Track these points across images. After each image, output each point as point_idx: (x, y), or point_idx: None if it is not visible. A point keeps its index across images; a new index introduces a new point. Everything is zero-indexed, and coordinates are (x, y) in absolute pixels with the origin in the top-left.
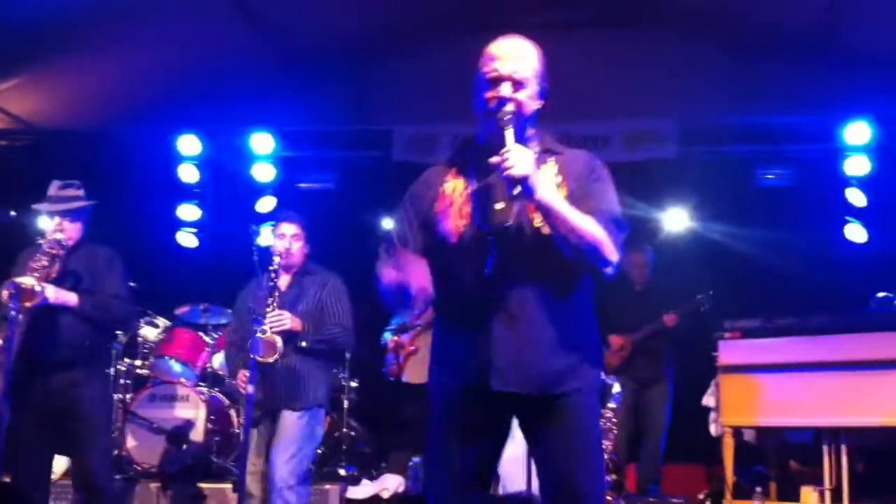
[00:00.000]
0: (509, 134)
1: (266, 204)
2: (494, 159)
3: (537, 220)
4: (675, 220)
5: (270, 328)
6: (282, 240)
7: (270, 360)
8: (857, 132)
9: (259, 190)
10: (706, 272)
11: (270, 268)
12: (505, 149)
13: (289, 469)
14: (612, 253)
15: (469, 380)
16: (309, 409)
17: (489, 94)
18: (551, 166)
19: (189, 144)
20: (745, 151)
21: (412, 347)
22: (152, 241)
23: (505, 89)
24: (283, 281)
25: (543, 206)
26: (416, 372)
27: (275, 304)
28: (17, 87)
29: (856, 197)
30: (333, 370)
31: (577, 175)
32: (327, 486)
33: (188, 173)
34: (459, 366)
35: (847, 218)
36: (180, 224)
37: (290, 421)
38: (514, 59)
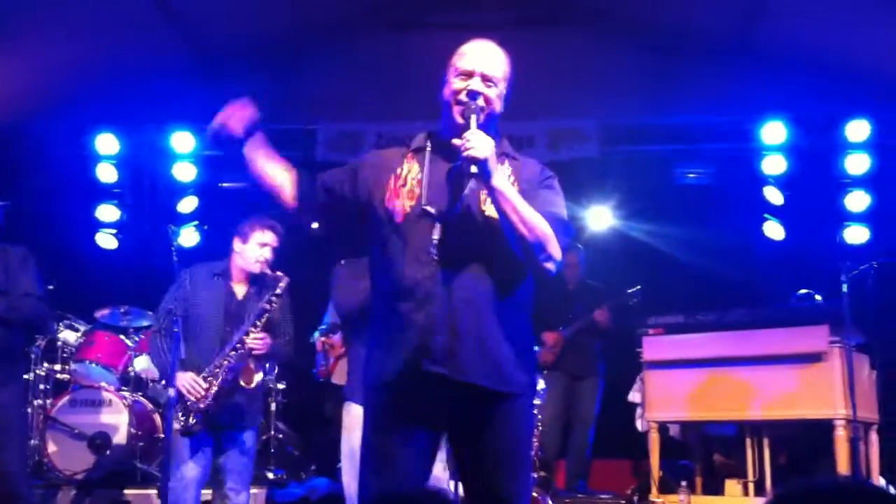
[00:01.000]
0: (473, 120)
1: (187, 204)
2: (456, 141)
3: (487, 209)
4: (599, 218)
5: (252, 350)
6: (263, 250)
7: (252, 385)
8: (774, 132)
9: (180, 190)
10: (630, 270)
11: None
12: (469, 131)
13: (244, 480)
14: (557, 250)
15: (404, 362)
16: (256, 426)
17: (460, 86)
18: (506, 168)
19: (107, 143)
20: (664, 150)
21: (342, 349)
22: (70, 243)
23: (476, 83)
24: (240, 290)
25: (497, 192)
26: (344, 374)
27: (261, 324)
28: None
29: (773, 195)
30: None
31: (529, 179)
32: (255, 491)
33: (106, 173)
34: (396, 347)
35: (765, 215)
36: (99, 225)
37: (243, 443)
38: (488, 57)
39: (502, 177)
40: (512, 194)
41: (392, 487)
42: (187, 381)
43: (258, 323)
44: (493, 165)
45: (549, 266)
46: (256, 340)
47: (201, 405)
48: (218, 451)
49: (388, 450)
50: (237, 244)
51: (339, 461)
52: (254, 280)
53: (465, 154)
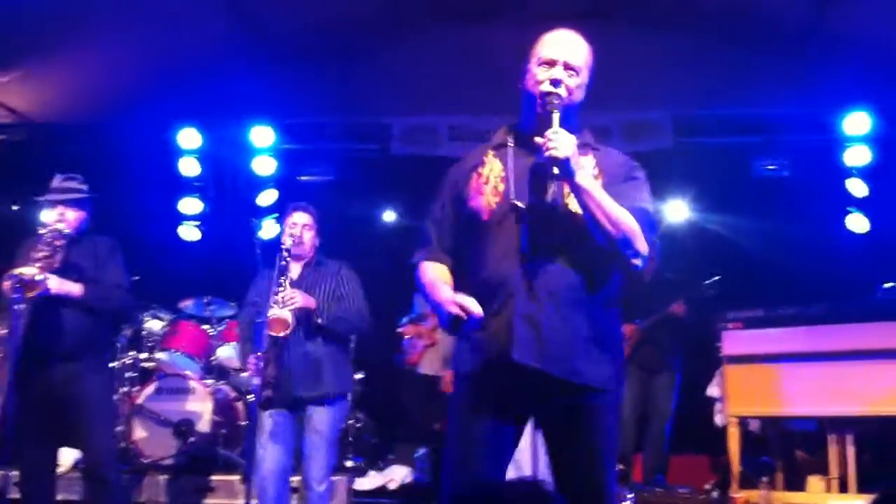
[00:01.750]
0: (556, 117)
1: (267, 197)
2: (538, 139)
3: (572, 204)
4: (675, 210)
5: (283, 307)
6: (293, 228)
7: (282, 334)
8: (857, 122)
9: (260, 183)
10: (707, 263)
11: (281, 253)
12: (551, 130)
13: (322, 470)
14: (643, 246)
15: (489, 354)
16: (333, 400)
17: (543, 76)
18: (589, 160)
19: (189, 138)
20: (741, 142)
21: (431, 340)
22: (154, 236)
23: (559, 72)
24: (295, 271)
25: (580, 190)
26: (432, 363)
27: (287, 285)
28: (16, 82)
29: (857, 187)
30: (349, 356)
31: (614, 172)
32: (334, 478)
33: (189, 167)
34: (481, 339)
35: (848, 208)
36: (182, 218)
37: (319, 419)
38: (570, 46)
39: (585, 174)
40: (596, 191)
41: (474, 478)
42: (250, 359)
43: (282, 280)
44: (575, 163)
45: (636, 262)
46: (286, 296)
47: (264, 378)
48: (299, 436)
49: (472, 439)
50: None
51: (417, 450)
52: (309, 263)
53: (546, 154)
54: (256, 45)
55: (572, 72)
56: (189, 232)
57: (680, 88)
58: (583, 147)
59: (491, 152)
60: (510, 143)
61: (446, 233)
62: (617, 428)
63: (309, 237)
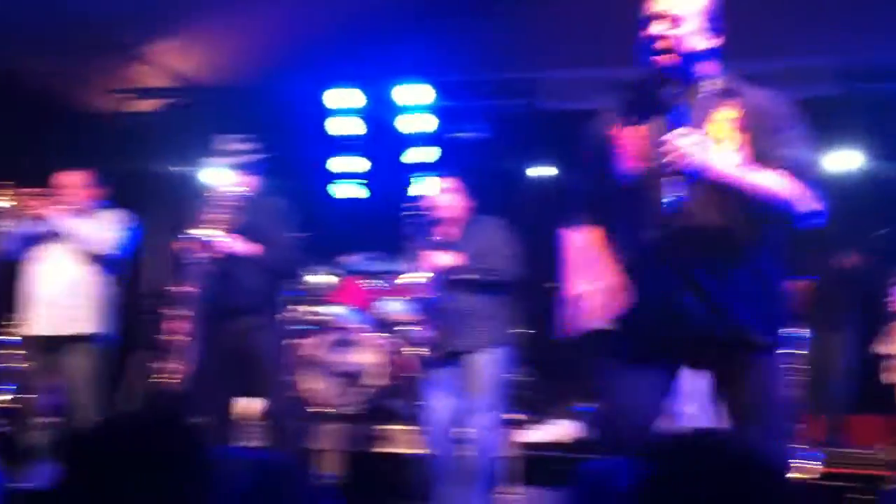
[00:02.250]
0: (682, 138)
1: (424, 154)
2: (662, 149)
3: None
4: (842, 160)
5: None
6: (441, 194)
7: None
8: None
9: (416, 140)
10: (877, 214)
11: (423, 217)
12: (667, 140)
13: (487, 419)
14: (805, 206)
15: (646, 315)
16: (494, 349)
17: (644, 33)
18: (730, 110)
19: (348, 97)
20: None
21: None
22: (315, 194)
23: (658, 26)
24: (447, 231)
25: (720, 179)
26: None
27: (434, 248)
28: (178, 46)
29: None
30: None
31: (763, 120)
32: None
33: (349, 126)
34: (639, 301)
35: None
36: (343, 176)
37: (480, 370)
38: None
39: (720, 161)
40: (737, 175)
41: (636, 428)
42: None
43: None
44: (702, 159)
45: (800, 222)
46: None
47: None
48: (463, 388)
49: (632, 391)
50: None
51: (583, 405)
52: (462, 225)
53: (668, 167)
54: (408, 3)
55: (677, 21)
56: (352, 190)
57: (844, 34)
58: (723, 93)
59: (621, 112)
60: (638, 101)
61: (594, 195)
62: (786, 384)
63: (455, 199)
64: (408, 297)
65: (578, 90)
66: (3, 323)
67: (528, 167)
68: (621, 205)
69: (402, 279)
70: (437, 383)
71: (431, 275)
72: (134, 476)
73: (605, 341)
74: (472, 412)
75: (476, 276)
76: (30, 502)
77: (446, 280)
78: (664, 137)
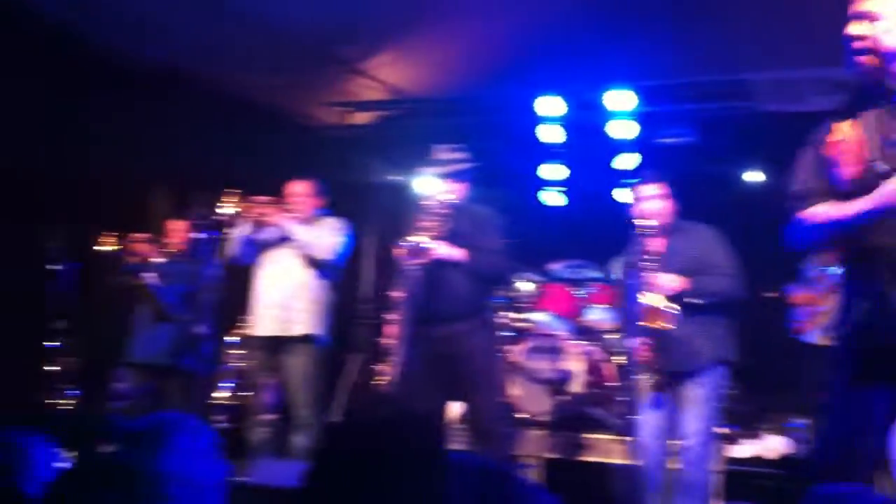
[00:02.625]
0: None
1: (628, 161)
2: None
3: None
4: None
5: (647, 294)
6: (644, 201)
7: (656, 326)
8: None
9: (620, 147)
10: None
11: (636, 231)
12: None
13: (698, 434)
14: None
15: (885, 331)
16: (708, 371)
17: (846, 33)
18: None
19: (551, 105)
20: None
21: (824, 306)
22: (520, 201)
23: (857, 27)
24: (655, 242)
25: None
26: (818, 331)
27: (647, 268)
28: (392, 60)
29: None
30: (728, 324)
31: None
32: (717, 442)
33: (551, 133)
34: (878, 315)
35: None
36: (546, 183)
37: (694, 389)
38: None
39: None
40: None
41: (854, 453)
42: (636, 340)
43: (642, 264)
44: None
45: None
46: (650, 282)
47: (649, 362)
48: (675, 399)
49: (855, 414)
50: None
51: (795, 421)
52: (668, 231)
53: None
54: (613, 5)
55: (870, 19)
56: (554, 197)
57: None
58: None
59: (844, 115)
60: (858, 102)
61: (813, 200)
62: None
63: (662, 207)
64: (610, 306)
65: (794, 91)
66: (232, 324)
67: (741, 172)
68: None
69: (645, 300)
70: (650, 397)
71: (656, 306)
72: (380, 475)
73: (828, 356)
74: (685, 425)
75: (701, 301)
76: (274, 500)
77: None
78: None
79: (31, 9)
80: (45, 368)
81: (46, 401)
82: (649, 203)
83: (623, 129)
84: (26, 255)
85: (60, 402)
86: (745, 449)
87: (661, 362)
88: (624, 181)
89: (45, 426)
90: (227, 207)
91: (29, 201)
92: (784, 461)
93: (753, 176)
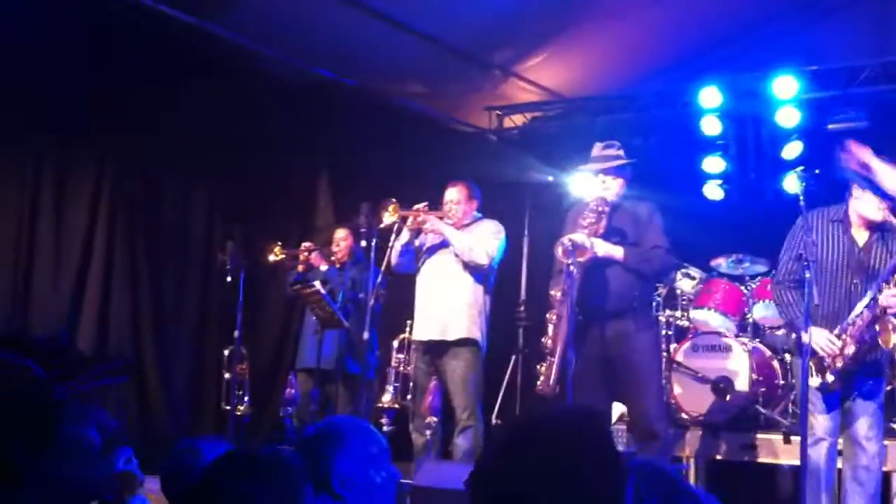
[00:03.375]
0: None
1: (793, 150)
2: None
3: None
4: None
5: (886, 309)
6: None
7: (891, 346)
8: None
9: (785, 136)
10: None
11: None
12: None
13: (870, 431)
14: None
15: None
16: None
17: None
18: None
19: (711, 96)
20: None
21: None
22: (681, 196)
23: None
24: (860, 237)
25: None
26: None
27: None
28: (544, 61)
29: None
30: None
31: None
32: (886, 443)
33: (711, 125)
34: None
35: None
36: (707, 177)
37: (873, 391)
38: None
39: None
40: None
41: None
42: (822, 339)
43: (891, 279)
44: None
45: None
46: (891, 298)
47: (837, 364)
48: (846, 398)
49: None
50: (856, 190)
51: None
52: (875, 227)
53: None
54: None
55: None
56: (714, 191)
57: None
58: None
59: None
60: None
61: None
62: None
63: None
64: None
65: None
66: (395, 330)
67: None
68: None
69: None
70: (821, 396)
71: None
72: (554, 476)
73: None
74: (854, 427)
75: None
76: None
77: None
78: None
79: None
80: (223, 375)
81: (224, 406)
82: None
83: (786, 116)
84: (204, 267)
85: (237, 407)
86: None
87: (850, 372)
88: (786, 171)
89: (224, 431)
90: (387, 216)
91: (207, 215)
92: None
93: None
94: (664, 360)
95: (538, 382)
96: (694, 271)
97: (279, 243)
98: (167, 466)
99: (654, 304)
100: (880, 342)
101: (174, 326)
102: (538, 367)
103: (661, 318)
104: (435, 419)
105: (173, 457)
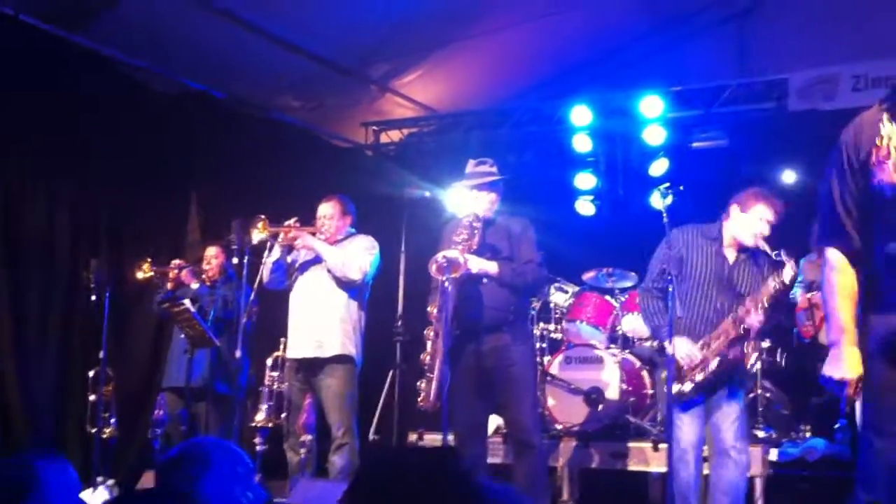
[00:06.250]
0: None
1: (659, 167)
2: None
3: None
4: None
5: (750, 329)
6: (760, 223)
7: (749, 365)
8: None
9: (651, 153)
10: None
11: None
12: None
13: (738, 439)
14: None
15: None
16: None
17: None
18: None
19: (581, 115)
20: None
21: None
22: (554, 212)
23: None
24: (730, 255)
25: None
26: None
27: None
28: (420, 78)
29: None
30: None
31: None
32: (750, 449)
33: (582, 143)
34: None
35: None
36: (578, 193)
37: (726, 393)
38: None
39: None
40: None
41: None
42: (684, 350)
43: (759, 301)
44: None
45: None
46: (754, 320)
47: (697, 377)
48: (710, 408)
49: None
50: (734, 211)
51: (836, 423)
52: (745, 248)
53: None
54: (639, 11)
55: None
56: (585, 206)
57: None
58: None
59: (886, 116)
60: None
61: (851, 207)
62: None
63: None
64: (651, 316)
65: (831, 88)
66: (268, 347)
67: (775, 174)
68: (884, 218)
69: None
70: (687, 404)
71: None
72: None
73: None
74: (721, 433)
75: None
76: None
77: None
78: None
79: None
80: (88, 396)
81: (89, 428)
82: (760, 224)
83: (652, 135)
84: (69, 282)
85: (102, 429)
86: (788, 452)
87: (708, 383)
88: (653, 188)
89: (86, 453)
90: (257, 233)
91: (71, 229)
92: (825, 462)
93: (787, 177)
94: (539, 372)
95: (419, 398)
96: (567, 285)
97: (149, 259)
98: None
99: (529, 317)
100: (744, 360)
101: (37, 347)
102: (418, 383)
103: (535, 330)
104: (310, 437)
105: (5, 471)
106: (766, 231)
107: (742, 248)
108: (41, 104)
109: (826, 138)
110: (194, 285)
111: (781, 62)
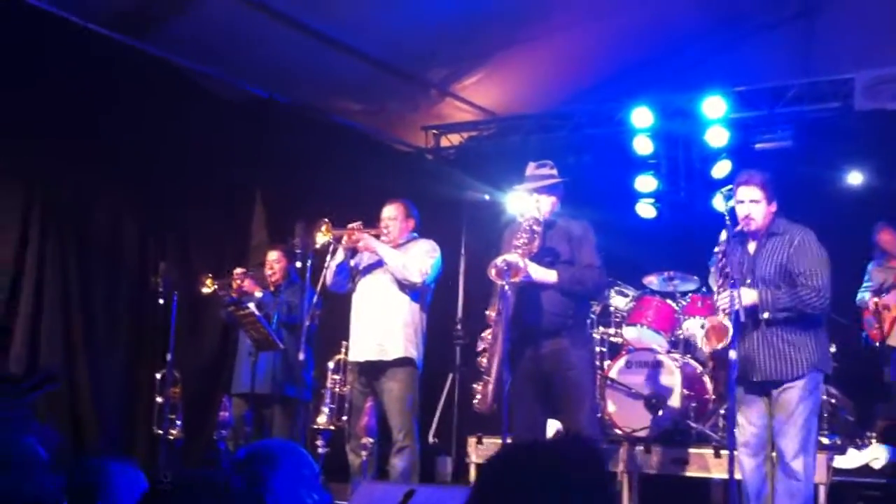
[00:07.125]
0: None
1: (721, 168)
2: None
3: None
4: None
5: (721, 310)
6: (741, 205)
7: (719, 346)
8: None
9: (714, 155)
10: None
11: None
12: None
13: (794, 446)
14: None
15: None
16: (800, 377)
17: None
18: None
19: (642, 116)
20: None
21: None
22: (614, 214)
23: None
24: (751, 246)
25: None
26: None
27: (726, 284)
28: (479, 81)
29: None
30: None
31: None
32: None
33: (643, 145)
34: None
35: None
36: (639, 195)
37: (787, 398)
38: None
39: None
40: None
41: None
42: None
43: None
44: None
45: None
46: (722, 299)
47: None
48: (769, 412)
49: None
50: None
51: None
52: (763, 235)
53: None
54: (703, 11)
55: None
56: (646, 209)
57: None
58: None
59: None
60: None
61: None
62: None
63: (758, 211)
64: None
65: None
66: (331, 350)
67: (841, 175)
68: None
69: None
70: (748, 408)
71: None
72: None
73: None
74: (779, 440)
75: (770, 316)
76: None
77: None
78: None
79: None
80: (155, 399)
81: (156, 430)
82: (744, 208)
83: (715, 136)
84: (138, 286)
85: (169, 430)
86: (851, 459)
87: (750, 371)
88: (716, 189)
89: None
90: (321, 236)
91: (139, 233)
92: (891, 469)
93: (854, 178)
94: (598, 376)
95: (475, 401)
96: (627, 289)
97: (210, 275)
98: (73, 482)
99: (588, 321)
100: None
101: (107, 349)
102: (474, 385)
103: (595, 335)
104: (371, 440)
105: (79, 474)
106: (747, 210)
107: (761, 235)
108: (109, 112)
109: (893, 138)
110: (258, 293)
111: (846, 61)
